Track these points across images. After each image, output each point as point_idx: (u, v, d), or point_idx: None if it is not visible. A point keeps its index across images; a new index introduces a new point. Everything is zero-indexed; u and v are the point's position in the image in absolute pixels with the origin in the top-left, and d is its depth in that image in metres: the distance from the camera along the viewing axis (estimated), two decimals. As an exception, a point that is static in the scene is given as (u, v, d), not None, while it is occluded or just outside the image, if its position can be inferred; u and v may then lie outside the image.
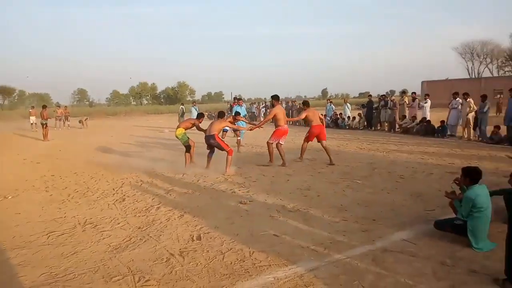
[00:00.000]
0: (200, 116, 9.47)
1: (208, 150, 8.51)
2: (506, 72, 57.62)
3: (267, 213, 5.27)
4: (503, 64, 60.72)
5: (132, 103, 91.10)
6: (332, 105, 22.03)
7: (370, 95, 19.86)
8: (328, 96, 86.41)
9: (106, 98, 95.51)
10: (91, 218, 5.28)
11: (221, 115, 8.83)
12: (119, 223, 5.03)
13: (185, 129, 8.87)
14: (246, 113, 13.65)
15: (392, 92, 76.62)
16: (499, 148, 10.93)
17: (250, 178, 7.43)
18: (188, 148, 8.87)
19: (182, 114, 23.94)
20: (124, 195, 6.50)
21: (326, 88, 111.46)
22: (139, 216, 5.32)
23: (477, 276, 3.33)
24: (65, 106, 30.04)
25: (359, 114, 19.51)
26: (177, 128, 8.91)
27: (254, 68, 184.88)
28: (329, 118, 20.64)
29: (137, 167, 9.00)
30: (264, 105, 29.82)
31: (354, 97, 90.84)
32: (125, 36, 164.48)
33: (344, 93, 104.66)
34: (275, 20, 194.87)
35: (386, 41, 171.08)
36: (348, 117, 19.88)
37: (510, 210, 3.23)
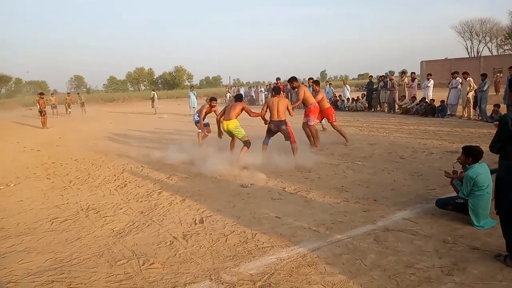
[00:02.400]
0: (240, 98, 7.65)
1: (265, 136, 7.38)
2: (506, 51, 57.21)
3: (268, 195, 5.30)
4: (503, 43, 60.23)
5: (130, 89, 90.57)
6: (331, 87, 21.90)
7: (371, 76, 19.75)
8: (327, 78, 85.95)
9: (103, 84, 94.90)
10: (93, 204, 5.30)
11: (277, 91, 7.44)
12: (121, 208, 5.06)
13: (236, 118, 7.15)
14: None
15: (392, 72, 76.09)
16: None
17: (251, 161, 7.43)
18: (247, 143, 7.06)
19: (154, 101, 23.72)
20: (126, 181, 6.52)
21: (325, 70, 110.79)
22: (141, 201, 5.34)
23: (478, 253, 3.37)
24: (68, 93, 29.99)
25: (362, 95, 19.32)
26: (227, 121, 7.05)
27: (252, 51, 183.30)
28: (328, 100, 20.53)
29: (137, 153, 9.00)
30: (261, 89, 29.56)
31: (353, 79, 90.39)
32: (120, 22, 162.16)
33: (343, 75, 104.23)
34: (272, 1, 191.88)
35: (385, 21, 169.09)
36: (348, 98, 19.78)
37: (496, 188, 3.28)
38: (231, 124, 7.02)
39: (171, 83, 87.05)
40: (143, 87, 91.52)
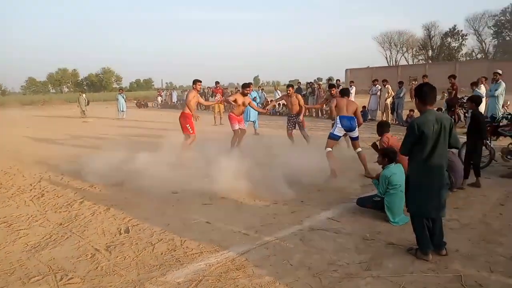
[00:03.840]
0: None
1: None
2: (420, 61, 62.90)
3: (199, 201, 5.25)
4: (417, 53, 66.16)
5: (51, 91, 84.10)
6: (263, 92, 22.34)
7: (299, 82, 20.50)
8: (259, 84, 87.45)
9: (21, 86, 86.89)
10: (5, 217, 4.82)
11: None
12: (37, 221, 4.67)
13: None
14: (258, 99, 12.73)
15: (320, 79, 79.65)
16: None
17: (183, 166, 7.27)
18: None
19: (87, 104, 22.55)
20: (43, 190, 6.03)
21: (257, 76, 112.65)
22: (60, 212, 4.97)
23: (394, 248, 3.66)
24: None
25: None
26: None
27: (184, 55, 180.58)
28: (260, 105, 20.95)
29: (57, 160, 8.37)
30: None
31: (284, 84, 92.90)
32: (43, 20, 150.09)
33: (275, 80, 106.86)
34: (203, 5, 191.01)
35: (314, 30, 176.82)
36: (279, 104, 20.29)
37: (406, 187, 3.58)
38: None
39: (98, 85, 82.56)
40: (66, 89, 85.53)
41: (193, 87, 8.21)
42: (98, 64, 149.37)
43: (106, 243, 3.90)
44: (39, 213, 4.96)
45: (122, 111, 20.62)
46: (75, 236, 4.13)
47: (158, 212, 4.83)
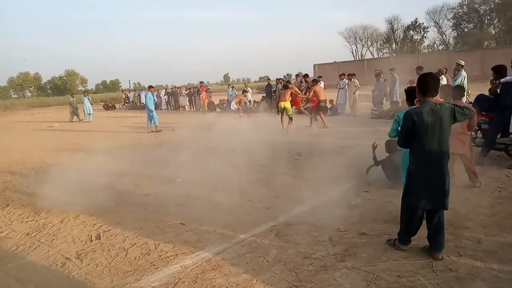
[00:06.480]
0: None
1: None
2: (384, 54, 64.55)
3: (173, 202, 5.15)
4: (381, 47, 67.88)
5: (13, 96, 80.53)
6: (234, 90, 22.25)
7: (269, 79, 20.57)
8: (230, 81, 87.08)
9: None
10: (-34, 231, 4.58)
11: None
12: (2, 232, 4.47)
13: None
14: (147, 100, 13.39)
15: (289, 75, 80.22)
16: (381, 122, 12.23)
17: (154, 167, 7.16)
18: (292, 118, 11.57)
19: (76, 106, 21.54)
20: (8, 200, 5.77)
21: (227, 74, 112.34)
22: (26, 221, 4.78)
23: (366, 238, 3.73)
24: None
25: (262, 98, 20.05)
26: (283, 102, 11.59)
27: (153, 55, 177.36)
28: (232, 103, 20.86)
29: (21, 168, 8.03)
30: (165, 92, 28.72)
31: (254, 81, 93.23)
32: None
33: (245, 77, 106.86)
34: (172, 3, 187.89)
35: (281, 28, 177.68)
36: (250, 101, 20.30)
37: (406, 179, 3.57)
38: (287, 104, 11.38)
39: (62, 88, 79.73)
40: (29, 94, 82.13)
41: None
42: (63, 67, 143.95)
43: (77, 251, 3.78)
44: (4, 224, 4.75)
45: (89, 114, 20.02)
46: (43, 245, 3.98)
47: (130, 216, 4.72)
